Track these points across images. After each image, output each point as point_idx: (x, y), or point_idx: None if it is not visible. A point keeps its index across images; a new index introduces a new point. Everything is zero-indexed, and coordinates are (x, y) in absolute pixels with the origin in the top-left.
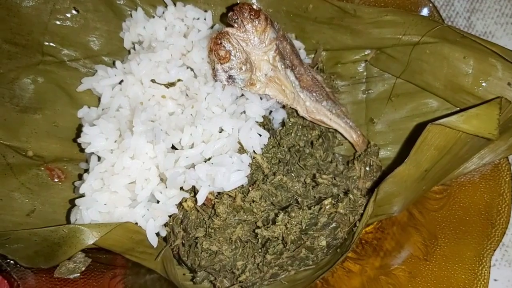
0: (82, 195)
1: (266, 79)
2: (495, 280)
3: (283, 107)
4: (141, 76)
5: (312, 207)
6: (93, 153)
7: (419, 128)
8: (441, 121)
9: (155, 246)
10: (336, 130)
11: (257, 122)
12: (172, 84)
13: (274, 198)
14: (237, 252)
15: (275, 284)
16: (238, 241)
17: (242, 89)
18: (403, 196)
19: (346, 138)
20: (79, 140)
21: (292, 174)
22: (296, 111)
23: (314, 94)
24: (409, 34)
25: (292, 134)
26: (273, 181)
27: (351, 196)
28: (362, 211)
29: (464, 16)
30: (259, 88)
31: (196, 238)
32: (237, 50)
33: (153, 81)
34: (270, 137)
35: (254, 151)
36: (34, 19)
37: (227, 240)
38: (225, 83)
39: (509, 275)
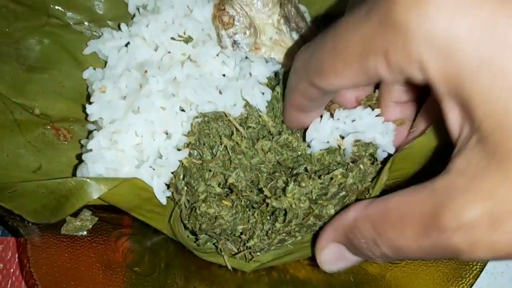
0: (89, 151)
1: (271, 43)
2: None
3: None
4: (152, 37)
5: (322, 177)
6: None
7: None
8: None
9: (164, 203)
10: None
11: (261, 83)
12: (190, 39)
13: (279, 156)
14: (237, 216)
15: (282, 247)
16: (238, 205)
17: (247, 53)
18: (418, 165)
19: None
20: (87, 111)
21: (298, 134)
22: None
23: None
24: None
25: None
26: (278, 140)
27: (361, 166)
28: (370, 180)
29: None
30: (264, 52)
31: (195, 202)
32: (241, 15)
33: (173, 38)
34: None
35: (258, 109)
36: None
37: (226, 205)
38: (230, 48)
39: None
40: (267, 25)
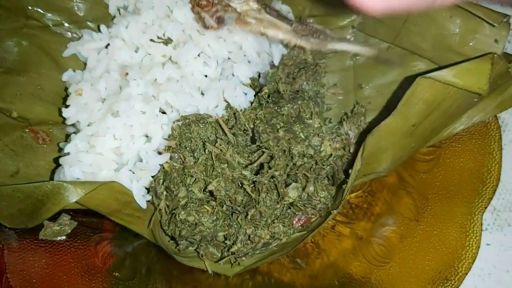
0: (67, 154)
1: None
2: (488, 244)
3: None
4: (132, 38)
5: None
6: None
7: (406, 85)
8: (431, 74)
9: (144, 207)
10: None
11: (244, 84)
12: (169, 41)
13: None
14: (218, 223)
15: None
16: (219, 211)
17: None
18: (392, 152)
19: (361, 54)
20: (64, 115)
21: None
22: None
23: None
24: None
25: (273, 84)
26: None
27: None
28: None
29: None
30: (255, 26)
31: (175, 209)
32: None
33: (151, 40)
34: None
35: (240, 110)
36: None
37: (207, 211)
38: (215, 26)
39: (501, 239)
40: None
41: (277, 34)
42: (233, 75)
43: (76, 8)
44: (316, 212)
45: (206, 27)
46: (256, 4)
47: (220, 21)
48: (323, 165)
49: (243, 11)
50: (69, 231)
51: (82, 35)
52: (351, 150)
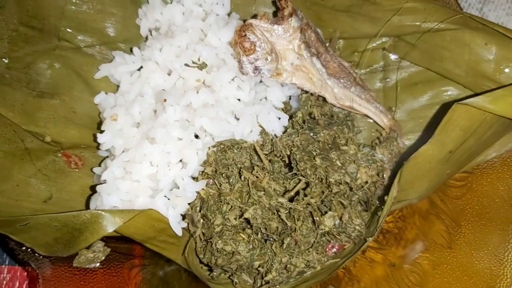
0: (102, 182)
1: (292, 68)
2: None
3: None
4: (166, 62)
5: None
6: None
7: (442, 111)
8: (467, 100)
9: (180, 234)
10: (366, 116)
11: (277, 108)
12: (204, 65)
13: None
14: (255, 252)
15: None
16: (255, 240)
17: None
18: (427, 179)
19: (378, 124)
20: (99, 140)
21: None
22: (324, 98)
23: (341, 80)
24: (429, 21)
25: (306, 108)
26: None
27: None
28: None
29: (476, 7)
30: (285, 77)
31: (211, 238)
32: (262, 41)
33: (186, 65)
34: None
35: (275, 134)
36: (50, 3)
37: (243, 239)
38: (251, 74)
39: None
40: (288, 51)
41: (304, 85)
42: (266, 98)
43: (107, 29)
44: (349, 239)
45: (242, 72)
46: (299, 41)
47: (257, 72)
48: (357, 191)
49: (282, 53)
50: (103, 258)
51: (113, 57)
52: (385, 176)
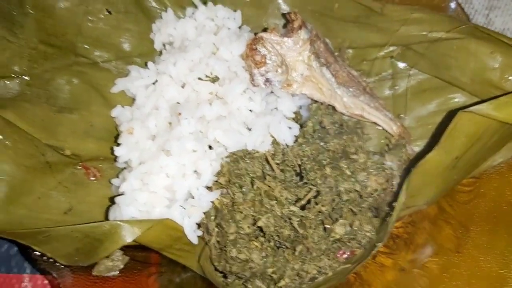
0: (120, 194)
1: (302, 79)
2: None
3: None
4: (180, 76)
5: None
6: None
7: (447, 118)
8: (471, 108)
9: (195, 242)
10: (375, 123)
11: (288, 118)
12: (216, 79)
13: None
14: (268, 260)
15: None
16: (268, 248)
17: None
18: (435, 185)
19: (387, 131)
20: (116, 153)
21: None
22: (334, 107)
23: (351, 89)
24: (436, 30)
25: (316, 117)
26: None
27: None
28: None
29: (483, 14)
30: (296, 88)
31: (225, 246)
32: (272, 54)
33: (199, 79)
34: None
35: (286, 144)
36: (68, 21)
37: (256, 247)
38: (262, 86)
39: None
40: (298, 62)
41: (314, 95)
42: (276, 109)
43: (123, 44)
44: (360, 245)
45: (253, 84)
46: (308, 52)
47: (268, 84)
48: (367, 198)
49: (292, 64)
50: (122, 266)
51: (129, 71)
52: (394, 183)
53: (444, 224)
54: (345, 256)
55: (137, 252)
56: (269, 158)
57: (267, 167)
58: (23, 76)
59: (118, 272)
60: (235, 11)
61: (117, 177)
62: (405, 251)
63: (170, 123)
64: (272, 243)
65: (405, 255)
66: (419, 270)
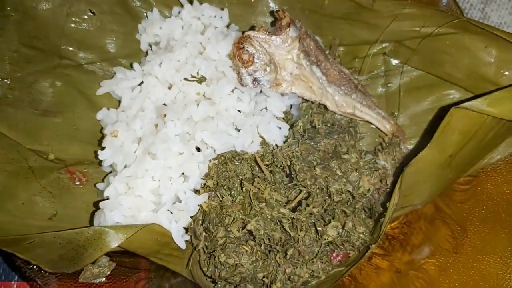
0: (105, 198)
1: (292, 78)
2: None
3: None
4: (166, 76)
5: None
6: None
7: (441, 115)
8: (464, 104)
9: (183, 248)
10: (368, 122)
11: (278, 118)
12: (203, 79)
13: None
14: (258, 264)
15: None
16: (259, 252)
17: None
18: (429, 184)
19: (380, 130)
20: (100, 157)
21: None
22: (325, 106)
23: (342, 87)
24: (428, 26)
25: (307, 117)
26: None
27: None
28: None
29: (478, 8)
30: (285, 87)
31: (214, 250)
32: (260, 52)
33: (186, 79)
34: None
35: (276, 144)
36: (50, 22)
37: (246, 251)
38: (251, 86)
39: None
40: (287, 61)
41: (304, 94)
42: (266, 109)
43: (108, 46)
44: (353, 248)
45: (241, 84)
46: (297, 50)
47: (257, 83)
48: (360, 198)
49: (281, 63)
50: (109, 272)
51: (114, 73)
52: (388, 182)
53: (441, 224)
54: (338, 259)
55: (125, 258)
56: (258, 160)
57: (257, 168)
58: (4, 80)
59: (104, 278)
60: (222, 9)
61: (103, 181)
62: (401, 252)
63: (156, 125)
64: (262, 247)
65: (401, 257)
66: (416, 271)
